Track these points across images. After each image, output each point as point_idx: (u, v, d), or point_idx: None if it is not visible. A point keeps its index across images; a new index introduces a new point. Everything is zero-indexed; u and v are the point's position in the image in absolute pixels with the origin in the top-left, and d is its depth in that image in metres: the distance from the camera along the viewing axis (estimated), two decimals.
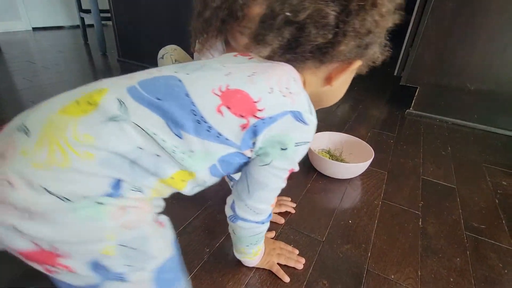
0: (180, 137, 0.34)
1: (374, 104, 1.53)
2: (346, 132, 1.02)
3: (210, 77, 0.37)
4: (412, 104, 1.41)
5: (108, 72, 1.86)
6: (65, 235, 0.30)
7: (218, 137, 0.35)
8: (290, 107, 0.37)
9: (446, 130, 1.29)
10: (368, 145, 0.91)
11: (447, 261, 0.62)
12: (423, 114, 1.40)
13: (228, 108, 0.35)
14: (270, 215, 0.48)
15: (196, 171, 0.37)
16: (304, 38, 0.37)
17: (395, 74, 1.93)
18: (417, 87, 1.38)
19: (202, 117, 0.34)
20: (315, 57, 0.39)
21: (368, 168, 0.87)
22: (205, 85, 0.35)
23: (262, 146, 0.38)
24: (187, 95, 0.34)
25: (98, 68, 1.94)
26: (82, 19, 2.42)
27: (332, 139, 1.00)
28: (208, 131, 0.34)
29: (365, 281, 0.57)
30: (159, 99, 0.34)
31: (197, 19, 0.70)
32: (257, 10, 0.64)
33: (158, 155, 0.33)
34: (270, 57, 0.41)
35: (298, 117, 0.37)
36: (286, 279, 0.56)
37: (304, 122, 0.38)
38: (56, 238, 0.30)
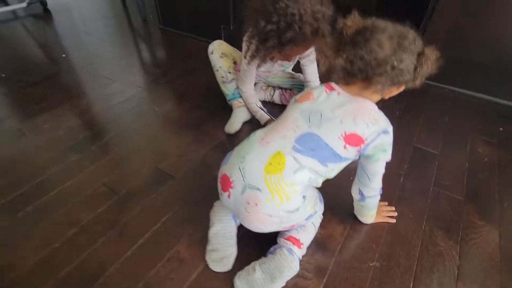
0: (326, 166, 0.66)
1: None
2: None
3: (333, 128, 0.64)
4: None
5: (150, 41, 2.10)
6: (299, 219, 0.72)
7: (345, 160, 0.67)
8: (379, 129, 0.64)
9: (451, 100, 1.48)
10: None
11: (411, 205, 0.95)
12: (432, 83, 1.58)
13: (350, 145, 0.64)
14: (381, 188, 0.78)
15: (332, 177, 0.71)
16: (401, 78, 0.62)
17: None
18: None
19: (338, 154, 0.64)
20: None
21: None
22: (333, 135, 0.63)
23: (370, 154, 0.68)
24: (326, 144, 0.64)
25: (141, 36, 2.18)
26: None
27: None
28: (340, 159, 0.66)
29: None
30: (312, 149, 0.64)
31: (254, 34, 0.93)
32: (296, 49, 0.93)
33: (316, 178, 0.68)
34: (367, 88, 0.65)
35: (385, 132, 0.65)
36: (393, 220, 0.90)
37: (388, 133, 0.66)
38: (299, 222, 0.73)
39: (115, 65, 1.73)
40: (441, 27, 1.43)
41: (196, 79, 1.59)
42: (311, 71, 1.20)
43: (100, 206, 0.92)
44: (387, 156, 0.70)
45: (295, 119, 0.67)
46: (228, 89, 1.25)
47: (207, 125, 1.26)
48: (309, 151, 0.64)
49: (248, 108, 1.24)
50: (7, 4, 2.58)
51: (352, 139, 0.63)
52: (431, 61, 0.63)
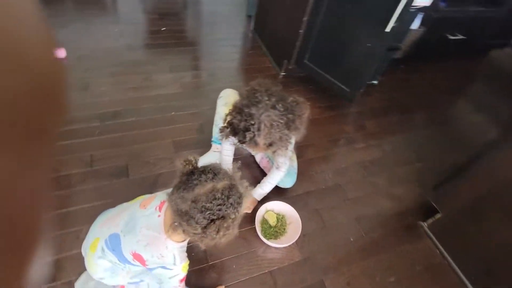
0: (124, 265, 0.83)
1: None
2: None
3: (131, 242, 0.76)
4: None
5: (242, 42, 2.34)
6: None
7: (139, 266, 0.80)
8: (159, 264, 0.76)
9: None
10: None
11: None
12: None
13: (136, 260, 0.77)
14: None
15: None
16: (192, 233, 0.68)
17: None
18: None
19: (129, 261, 0.79)
20: None
21: None
22: (127, 247, 0.77)
23: (158, 274, 0.78)
24: (121, 251, 0.78)
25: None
26: None
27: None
28: (134, 265, 0.81)
29: None
30: (113, 249, 0.79)
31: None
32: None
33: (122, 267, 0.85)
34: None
35: (164, 267, 0.76)
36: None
37: (168, 269, 0.76)
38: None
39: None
40: None
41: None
42: (279, 160, 1.24)
43: None
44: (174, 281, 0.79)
45: (122, 217, 0.82)
46: (215, 132, 1.43)
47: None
48: (111, 250, 0.81)
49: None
50: None
51: (138, 258, 0.78)
52: (224, 230, 0.67)
